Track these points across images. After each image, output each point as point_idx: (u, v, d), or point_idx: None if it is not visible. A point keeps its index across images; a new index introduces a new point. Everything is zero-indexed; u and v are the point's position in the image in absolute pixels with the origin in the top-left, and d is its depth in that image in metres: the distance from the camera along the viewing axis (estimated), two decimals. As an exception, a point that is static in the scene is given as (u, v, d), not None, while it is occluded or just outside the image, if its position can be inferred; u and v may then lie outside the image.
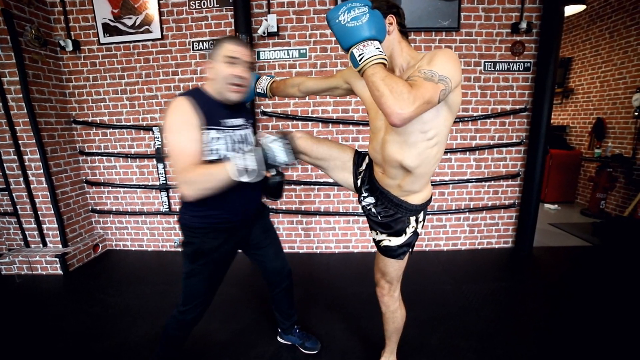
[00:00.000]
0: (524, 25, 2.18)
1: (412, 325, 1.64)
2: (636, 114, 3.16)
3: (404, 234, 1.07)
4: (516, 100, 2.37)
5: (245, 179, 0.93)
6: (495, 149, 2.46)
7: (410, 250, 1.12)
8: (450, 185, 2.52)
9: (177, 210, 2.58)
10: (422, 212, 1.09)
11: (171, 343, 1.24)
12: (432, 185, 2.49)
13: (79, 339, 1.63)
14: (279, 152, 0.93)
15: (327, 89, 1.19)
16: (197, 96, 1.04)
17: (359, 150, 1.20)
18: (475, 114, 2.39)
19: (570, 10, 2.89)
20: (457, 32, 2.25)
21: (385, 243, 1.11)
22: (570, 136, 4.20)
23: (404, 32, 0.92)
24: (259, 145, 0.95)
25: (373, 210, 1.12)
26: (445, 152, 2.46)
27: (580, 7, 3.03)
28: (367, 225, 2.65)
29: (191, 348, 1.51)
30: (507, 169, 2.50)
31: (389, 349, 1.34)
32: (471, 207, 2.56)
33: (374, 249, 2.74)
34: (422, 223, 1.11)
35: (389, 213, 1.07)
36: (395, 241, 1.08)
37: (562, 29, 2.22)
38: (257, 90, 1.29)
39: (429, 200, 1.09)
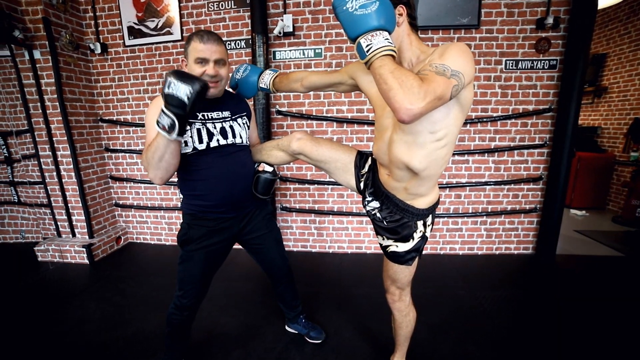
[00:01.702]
0: (550, 20, 2.06)
1: (423, 330, 1.61)
2: (679, 114, 2.91)
3: (411, 240, 1.04)
4: (540, 100, 2.25)
5: (172, 133, 0.91)
6: (515, 151, 2.35)
7: (419, 255, 1.09)
8: (467, 187, 2.43)
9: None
10: (431, 216, 1.05)
11: (175, 332, 1.29)
12: (448, 187, 2.44)
13: (101, 324, 1.74)
14: (174, 86, 0.87)
15: (331, 84, 1.13)
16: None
17: (362, 151, 1.16)
18: (495, 115, 2.30)
19: (606, 2, 2.69)
20: (477, 30, 2.17)
21: (392, 249, 1.07)
22: (602, 138, 3.93)
23: (414, 24, 0.88)
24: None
25: (378, 215, 1.08)
26: (463, 154, 2.38)
27: None
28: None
29: (201, 341, 1.58)
30: (528, 172, 2.39)
31: (400, 354, 1.32)
32: (489, 210, 2.46)
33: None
34: (430, 227, 1.07)
35: (395, 218, 1.03)
36: (402, 247, 1.05)
37: (594, 23, 2.08)
38: (260, 85, 1.25)
39: (436, 204, 1.05)
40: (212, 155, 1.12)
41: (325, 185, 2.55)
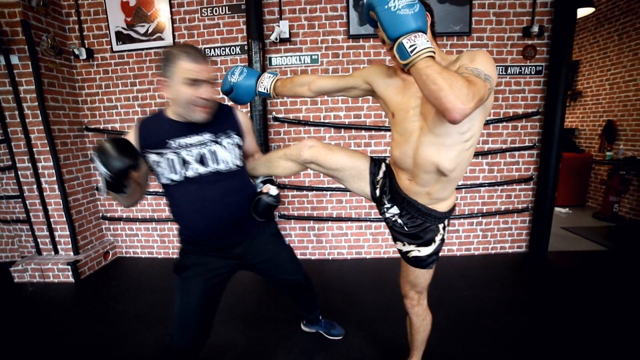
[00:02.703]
0: (535, 29, 2.18)
1: (433, 332, 1.59)
2: (647, 116, 3.14)
3: (433, 243, 1.04)
4: (528, 103, 2.36)
5: (108, 194, 0.92)
6: (507, 153, 2.44)
7: (437, 258, 1.09)
8: (463, 189, 2.49)
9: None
10: (447, 219, 1.06)
11: None
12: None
13: (93, 347, 1.62)
14: (99, 166, 0.83)
15: (343, 88, 1.07)
16: (153, 119, 1.06)
17: (374, 157, 1.14)
18: (487, 118, 2.38)
19: (578, 13, 2.88)
20: (469, 37, 2.25)
21: (414, 254, 1.06)
22: (580, 139, 4.17)
23: (434, 32, 0.91)
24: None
25: (399, 221, 1.06)
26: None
27: (589, 10, 3.04)
28: (380, 231, 2.61)
29: (208, 356, 1.49)
30: (519, 173, 2.48)
31: (416, 358, 1.31)
32: (484, 211, 2.53)
33: (387, 255, 2.71)
34: (447, 229, 1.08)
35: (417, 223, 1.03)
36: (424, 251, 1.05)
37: (574, 32, 2.22)
38: (259, 89, 1.13)
39: (455, 206, 1.06)
40: (188, 186, 1.02)
41: (324, 192, 2.53)
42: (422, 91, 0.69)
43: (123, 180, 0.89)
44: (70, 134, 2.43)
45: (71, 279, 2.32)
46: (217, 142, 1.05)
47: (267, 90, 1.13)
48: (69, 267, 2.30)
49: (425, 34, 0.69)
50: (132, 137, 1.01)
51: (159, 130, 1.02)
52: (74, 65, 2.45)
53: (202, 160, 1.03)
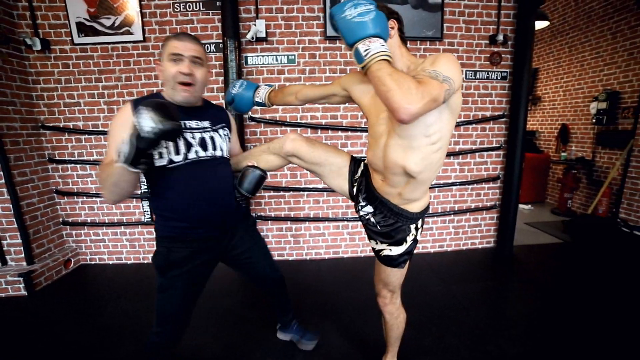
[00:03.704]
0: (500, 37, 2.33)
1: (407, 327, 1.64)
2: (594, 120, 3.46)
3: (404, 243, 1.07)
4: (495, 107, 2.51)
5: (127, 165, 0.83)
6: (477, 154, 2.58)
7: (410, 257, 1.12)
8: (436, 188, 2.60)
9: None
10: (421, 219, 1.09)
11: None
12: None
13: (54, 365, 1.48)
14: (144, 120, 0.79)
15: (325, 96, 1.15)
16: (149, 99, 1.00)
17: (355, 156, 1.17)
18: (458, 120, 2.49)
19: (536, 25, 3.13)
20: (440, 42, 2.35)
21: (385, 253, 1.09)
22: (540, 140, 4.52)
23: (403, 37, 0.94)
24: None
25: (372, 219, 1.09)
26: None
27: (544, 23, 3.31)
28: (357, 230, 2.65)
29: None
30: (488, 172, 2.63)
31: (391, 354, 1.34)
32: (456, 209, 2.66)
33: (364, 254, 2.76)
34: (420, 230, 1.11)
35: (389, 222, 1.05)
36: (395, 250, 1.07)
37: (533, 41, 2.40)
38: (256, 99, 1.26)
39: (428, 207, 1.09)
40: (189, 169, 1.02)
41: (301, 192, 2.52)
42: (376, 93, 0.72)
43: (152, 150, 0.87)
44: (23, 132, 2.21)
45: (23, 292, 2.10)
46: (215, 131, 1.10)
47: (262, 100, 1.25)
48: (21, 278, 2.09)
49: (384, 39, 0.73)
50: (125, 115, 0.97)
51: None
52: (26, 57, 2.24)
53: (202, 144, 1.05)
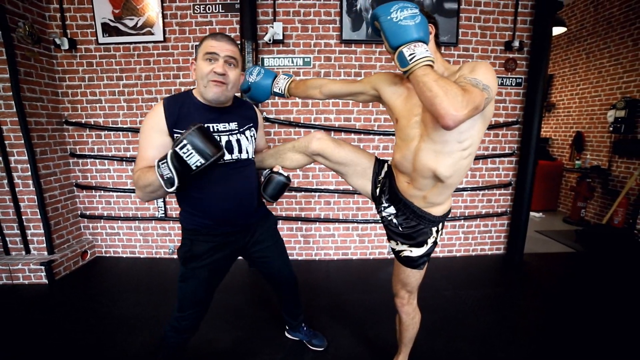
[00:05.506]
0: (516, 43, 2.32)
1: (418, 330, 1.66)
2: (611, 129, 3.40)
3: (425, 245, 1.08)
4: (509, 113, 2.50)
5: (168, 187, 0.87)
6: (489, 159, 2.57)
7: (429, 259, 1.13)
8: (447, 193, 2.59)
9: (173, 216, 2.53)
10: (442, 223, 1.10)
11: (170, 355, 1.21)
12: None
13: (74, 351, 1.54)
14: (187, 152, 0.83)
15: (352, 93, 1.12)
16: (180, 99, 1.04)
17: (379, 157, 1.17)
18: (470, 125, 2.49)
19: (553, 31, 3.10)
20: (455, 47, 2.36)
21: (406, 254, 1.10)
22: (553, 148, 4.45)
23: (438, 43, 0.95)
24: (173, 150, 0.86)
25: (394, 220, 1.10)
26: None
27: (561, 29, 3.28)
28: (367, 232, 2.66)
29: (192, 355, 1.47)
30: (499, 179, 2.62)
31: (403, 355, 1.35)
32: (466, 214, 2.65)
33: (373, 257, 2.76)
34: (440, 233, 1.12)
35: (411, 224, 1.07)
36: (416, 252, 1.08)
37: (549, 48, 2.38)
38: (274, 89, 1.21)
39: (449, 212, 1.10)
40: (216, 171, 1.04)
41: (312, 193, 2.55)
42: (420, 98, 0.72)
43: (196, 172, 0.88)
44: (49, 127, 2.31)
45: (44, 280, 2.19)
46: (242, 132, 1.10)
47: (281, 91, 1.21)
48: (43, 267, 2.18)
49: (426, 44, 0.73)
50: (158, 115, 0.99)
51: (191, 113, 1.02)
52: (54, 55, 2.34)
53: (229, 147, 1.06)
